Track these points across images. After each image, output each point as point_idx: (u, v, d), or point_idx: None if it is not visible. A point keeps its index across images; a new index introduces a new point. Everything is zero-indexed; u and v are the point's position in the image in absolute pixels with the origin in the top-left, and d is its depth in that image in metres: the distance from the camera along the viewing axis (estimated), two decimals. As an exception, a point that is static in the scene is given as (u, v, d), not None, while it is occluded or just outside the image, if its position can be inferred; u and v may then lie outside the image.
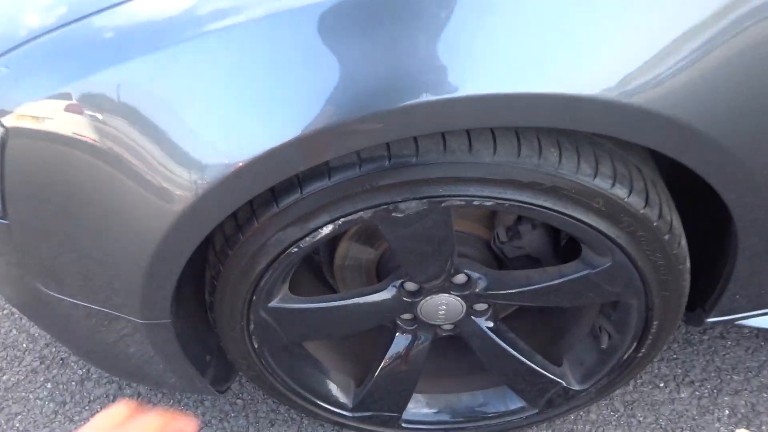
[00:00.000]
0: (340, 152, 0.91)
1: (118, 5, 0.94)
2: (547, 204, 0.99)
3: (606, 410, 1.62)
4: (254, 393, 1.76)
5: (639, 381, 1.66)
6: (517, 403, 1.49)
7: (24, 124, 0.97)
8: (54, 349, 1.94)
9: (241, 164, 0.89)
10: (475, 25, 0.84)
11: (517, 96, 0.85)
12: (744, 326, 1.68)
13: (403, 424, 1.51)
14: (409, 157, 0.95)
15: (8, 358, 1.93)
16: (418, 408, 1.52)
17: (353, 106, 0.85)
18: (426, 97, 0.84)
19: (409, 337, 1.36)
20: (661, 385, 1.66)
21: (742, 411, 1.59)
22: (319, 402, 1.44)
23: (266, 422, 1.69)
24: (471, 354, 1.39)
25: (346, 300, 1.24)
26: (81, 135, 0.94)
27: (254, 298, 1.16)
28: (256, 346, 1.27)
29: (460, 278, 1.23)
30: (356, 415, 1.48)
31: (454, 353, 1.54)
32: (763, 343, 1.71)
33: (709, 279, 1.31)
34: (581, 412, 1.62)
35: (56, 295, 1.21)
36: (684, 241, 1.12)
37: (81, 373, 1.87)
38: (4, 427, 1.75)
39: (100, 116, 0.92)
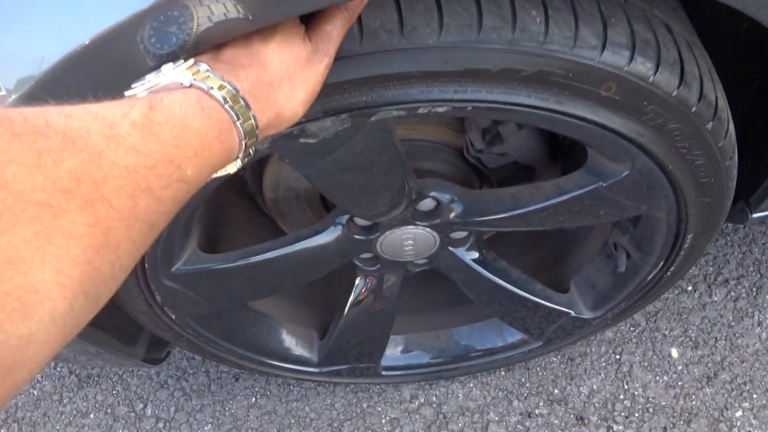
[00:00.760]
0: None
1: None
2: (531, 101, 0.65)
3: (624, 326, 1.36)
4: (214, 343, 1.52)
5: (662, 286, 1.39)
6: (516, 335, 1.22)
7: None
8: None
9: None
10: None
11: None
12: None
13: (384, 372, 1.26)
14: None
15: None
16: (398, 351, 1.27)
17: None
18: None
19: (372, 279, 1.07)
20: (689, 288, 1.38)
21: (789, 311, 1.32)
22: (275, 363, 1.18)
23: (230, 377, 1.45)
24: (455, 284, 1.10)
25: (277, 250, 0.94)
26: None
27: (146, 265, 0.86)
28: (173, 317, 0.99)
29: (427, 204, 0.92)
30: (325, 370, 1.22)
31: (434, 283, 1.25)
32: (812, 226, 1.42)
33: (754, 164, 0.99)
34: (595, 331, 1.36)
35: None
36: (732, 128, 0.79)
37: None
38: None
39: None
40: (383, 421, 1.32)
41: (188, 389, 1.46)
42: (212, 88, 0.46)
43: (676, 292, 1.38)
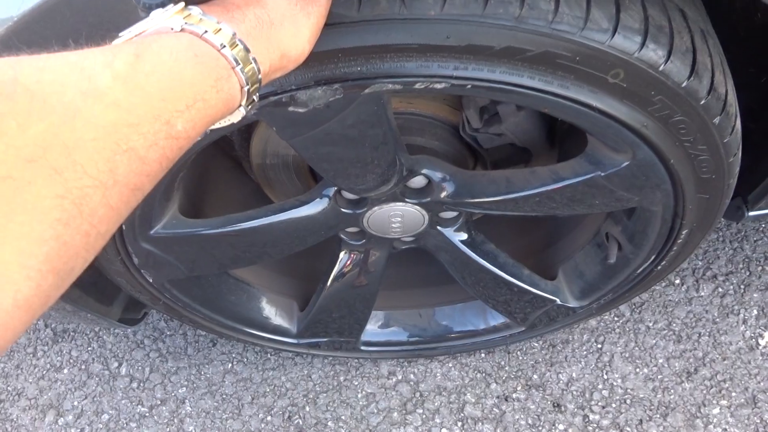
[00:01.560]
0: None
1: None
2: (534, 83, 0.62)
3: (608, 315, 1.35)
4: (193, 306, 1.49)
5: (650, 278, 1.37)
6: (499, 319, 1.21)
7: None
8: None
9: None
10: None
11: None
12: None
13: (363, 347, 1.25)
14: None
15: None
16: (378, 327, 1.25)
17: None
18: None
19: (357, 254, 1.04)
20: (677, 281, 1.37)
21: (774, 311, 1.31)
22: (253, 332, 1.16)
23: (207, 341, 1.43)
24: (440, 263, 1.08)
25: (261, 219, 0.90)
26: None
27: (123, 226, 0.83)
28: (150, 280, 0.96)
29: (419, 181, 0.89)
30: (303, 341, 1.21)
31: (418, 260, 1.23)
32: (805, 227, 1.40)
33: (754, 162, 0.97)
34: (579, 319, 1.35)
35: None
36: (739, 124, 0.76)
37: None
38: None
39: None
40: (359, 395, 1.31)
41: (164, 351, 1.44)
42: (206, 31, 0.42)
43: (664, 284, 1.37)
